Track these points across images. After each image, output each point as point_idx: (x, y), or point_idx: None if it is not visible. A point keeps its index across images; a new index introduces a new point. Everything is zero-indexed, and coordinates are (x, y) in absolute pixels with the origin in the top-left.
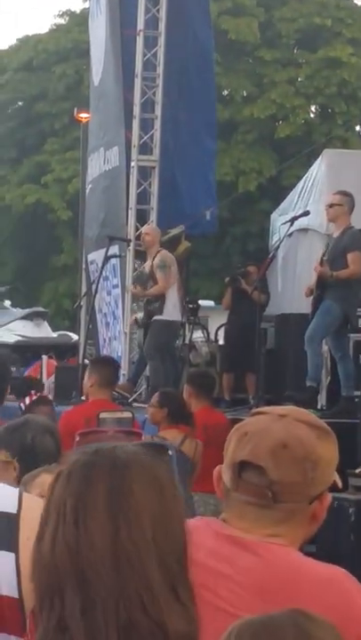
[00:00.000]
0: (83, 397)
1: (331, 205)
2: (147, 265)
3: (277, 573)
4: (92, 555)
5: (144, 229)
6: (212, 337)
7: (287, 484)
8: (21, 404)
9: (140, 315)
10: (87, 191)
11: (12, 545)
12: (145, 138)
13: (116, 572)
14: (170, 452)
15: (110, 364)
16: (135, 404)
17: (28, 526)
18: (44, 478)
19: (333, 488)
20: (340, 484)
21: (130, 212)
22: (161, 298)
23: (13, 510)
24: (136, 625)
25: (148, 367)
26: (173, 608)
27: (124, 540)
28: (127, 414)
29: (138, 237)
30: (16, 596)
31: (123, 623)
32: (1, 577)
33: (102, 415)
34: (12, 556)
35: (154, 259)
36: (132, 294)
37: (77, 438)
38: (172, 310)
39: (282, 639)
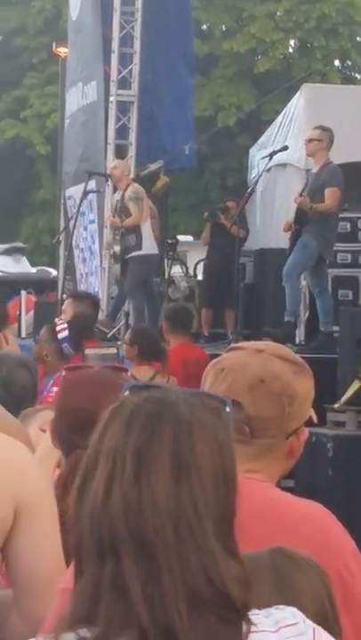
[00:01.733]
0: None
1: (310, 140)
2: (115, 197)
3: (255, 508)
4: (155, 517)
5: (112, 164)
6: (191, 272)
7: (264, 420)
8: None
9: (117, 248)
10: (65, 126)
11: None
12: (124, 72)
13: (177, 539)
14: (228, 409)
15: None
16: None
17: None
18: (48, 414)
19: (310, 423)
20: (315, 418)
21: (108, 146)
22: (136, 232)
23: None
24: (202, 595)
25: (127, 303)
26: (232, 573)
27: (186, 506)
28: (112, 350)
29: None
30: None
31: (189, 593)
32: None
33: (87, 351)
34: None
35: (125, 191)
36: (110, 223)
37: (64, 372)
38: (149, 244)
39: (259, 582)
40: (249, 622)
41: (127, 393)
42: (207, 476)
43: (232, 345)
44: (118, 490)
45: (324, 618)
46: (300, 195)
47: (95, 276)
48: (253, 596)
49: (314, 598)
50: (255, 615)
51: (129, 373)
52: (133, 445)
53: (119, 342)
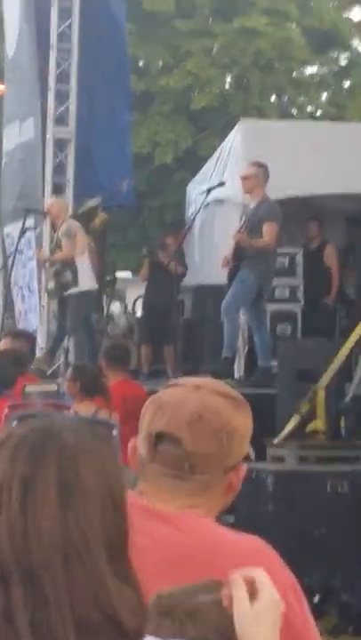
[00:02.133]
0: None
1: (246, 177)
2: (55, 236)
3: (196, 544)
4: (41, 548)
5: (49, 201)
6: (130, 309)
7: (203, 455)
8: None
9: (51, 284)
10: (3, 164)
11: None
12: (60, 109)
13: (65, 569)
14: (114, 432)
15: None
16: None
17: None
18: None
19: (247, 458)
20: (252, 454)
21: (46, 184)
22: (72, 268)
23: None
24: (92, 623)
25: (66, 340)
26: (124, 598)
27: (73, 535)
28: (52, 387)
29: None
30: None
31: (78, 621)
32: None
33: (28, 389)
34: None
35: (59, 228)
36: (38, 256)
37: (6, 411)
38: (86, 280)
39: (203, 614)
40: None
41: (15, 423)
42: (94, 503)
43: (170, 381)
44: (5, 521)
45: None
46: (239, 231)
47: (34, 313)
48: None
49: None
50: None
51: (71, 410)
52: (19, 476)
53: (59, 379)
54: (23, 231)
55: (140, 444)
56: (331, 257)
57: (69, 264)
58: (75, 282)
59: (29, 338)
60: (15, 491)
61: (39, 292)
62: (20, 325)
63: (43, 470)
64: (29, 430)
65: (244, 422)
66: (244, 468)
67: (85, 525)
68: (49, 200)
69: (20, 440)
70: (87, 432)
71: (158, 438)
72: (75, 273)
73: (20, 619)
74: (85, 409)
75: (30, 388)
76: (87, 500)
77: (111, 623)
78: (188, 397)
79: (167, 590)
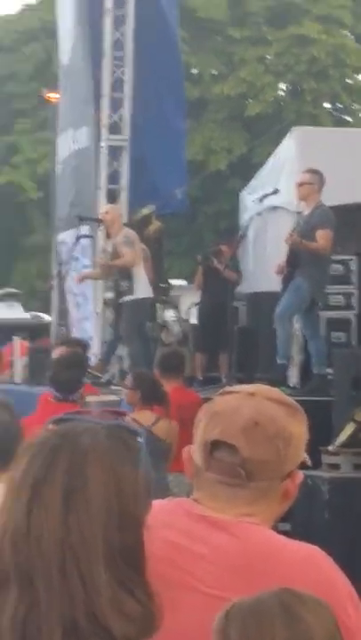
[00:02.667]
0: None
1: (301, 184)
2: (109, 244)
3: (253, 552)
4: (39, 549)
5: (104, 209)
6: (184, 316)
7: (259, 462)
8: None
9: (109, 295)
10: (58, 171)
11: None
12: (114, 117)
13: (62, 568)
14: (140, 440)
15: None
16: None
17: None
18: None
19: (304, 466)
20: (309, 461)
21: (100, 191)
22: (129, 276)
23: None
24: (80, 628)
25: (124, 348)
26: (119, 606)
27: (73, 534)
28: (113, 397)
29: None
30: None
31: (66, 625)
32: None
33: (88, 398)
34: None
35: (116, 237)
36: (99, 265)
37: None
38: (142, 289)
39: (270, 623)
40: None
41: (50, 426)
42: (98, 507)
43: (224, 389)
44: (12, 523)
45: None
46: (291, 234)
47: (89, 320)
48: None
49: (326, 638)
50: None
51: (130, 418)
52: (31, 478)
53: (112, 387)
54: (77, 238)
55: (194, 453)
56: None
57: (126, 272)
58: (130, 290)
59: (83, 346)
60: (25, 493)
61: (94, 299)
62: (75, 333)
63: (52, 473)
64: (52, 433)
65: (299, 429)
66: (301, 474)
67: (85, 529)
68: (103, 207)
69: (41, 443)
70: (105, 437)
71: (214, 446)
72: (131, 281)
73: (13, 618)
74: (145, 418)
75: (91, 398)
76: (91, 504)
77: (99, 629)
78: (242, 404)
79: (236, 603)
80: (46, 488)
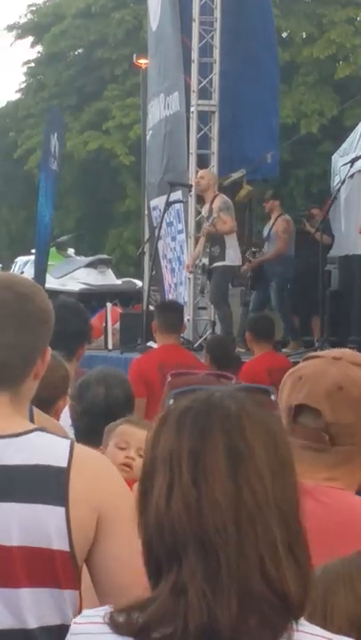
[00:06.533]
0: (148, 344)
1: None
2: (205, 208)
3: (337, 517)
4: (215, 516)
5: (199, 173)
6: None
7: (344, 426)
8: None
9: (205, 260)
10: (148, 137)
11: (61, 499)
12: (204, 82)
13: (239, 534)
14: (272, 397)
15: (172, 309)
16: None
17: (80, 479)
18: (124, 428)
19: None
20: None
21: (190, 157)
22: (220, 242)
23: (64, 464)
24: (255, 593)
25: (213, 313)
26: (293, 572)
27: (246, 499)
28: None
29: None
30: (68, 549)
31: (243, 589)
32: (52, 531)
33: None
34: (61, 510)
35: (212, 202)
36: (207, 232)
37: (169, 379)
38: (232, 255)
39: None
40: (297, 624)
41: (172, 401)
42: (264, 467)
43: (310, 353)
44: (178, 494)
45: None
46: None
47: (185, 285)
48: (347, 598)
49: None
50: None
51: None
52: (187, 448)
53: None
54: (169, 204)
55: None
56: None
57: (219, 238)
58: (221, 256)
59: (179, 309)
60: (185, 464)
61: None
62: (170, 297)
63: (210, 441)
64: (191, 402)
65: None
66: None
67: (257, 490)
68: (195, 172)
69: (183, 413)
70: (247, 398)
71: (298, 411)
72: (223, 247)
73: (190, 588)
74: None
75: None
76: (257, 465)
77: (276, 593)
78: (327, 369)
79: (323, 566)
80: (208, 456)
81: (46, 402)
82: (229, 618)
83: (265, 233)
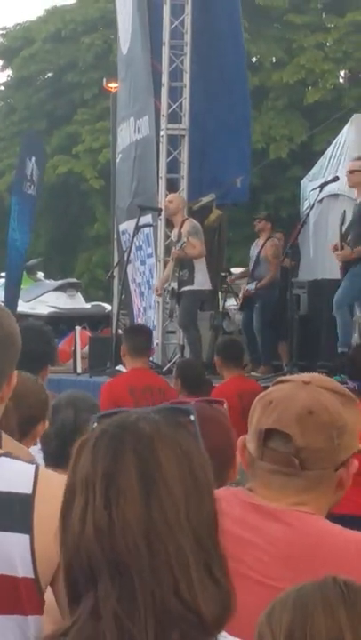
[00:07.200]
0: (117, 368)
1: (351, 171)
2: (174, 233)
3: (306, 541)
4: (126, 537)
5: (168, 197)
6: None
7: (314, 451)
8: None
9: (174, 284)
10: (118, 161)
11: (26, 526)
12: (174, 106)
13: (150, 555)
14: (192, 417)
15: (141, 333)
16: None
17: (44, 506)
18: None
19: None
20: None
21: (160, 181)
22: (189, 266)
23: (28, 490)
24: (171, 611)
25: (182, 337)
26: (208, 590)
27: (157, 520)
28: None
29: None
30: (33, 576)
31: (160, 609)
32: (17, 559)
33: None
34: (26, 537)
35: (181, 226)
36: (176, 257)
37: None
38: (201, 280)
39: (333, 609)
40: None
41: (95, 424)
42: (176, 488)
43: (278, 378)
44: (91, 517)
45: None
46: (340, 236)
47: (154, 309)
48: (326, 625)
49: None
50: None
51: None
52: (101, 471)
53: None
54: (138, 228)
55: (248, 441)
56: None
57: (187, 262)
58: (190, 280)
59: (148, 333)
60: (98, 486)
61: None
62: (139, 321)
63: (122, 463)
64: (107, 425)
65: (353, 417)
66: (356, 463)
67: (169, 512)
68: (165, 196)
69: (99, 437)
70: (162, 420)
71: (268, 435)
72: (191, 271)
73: (104, 609)
74: None
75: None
76: (168, 485)
77: (191, 612)
78: (297, 393)
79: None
80: (121, 479)
81: (27, 424)
82: (147, 638)
83: (252, 253)
